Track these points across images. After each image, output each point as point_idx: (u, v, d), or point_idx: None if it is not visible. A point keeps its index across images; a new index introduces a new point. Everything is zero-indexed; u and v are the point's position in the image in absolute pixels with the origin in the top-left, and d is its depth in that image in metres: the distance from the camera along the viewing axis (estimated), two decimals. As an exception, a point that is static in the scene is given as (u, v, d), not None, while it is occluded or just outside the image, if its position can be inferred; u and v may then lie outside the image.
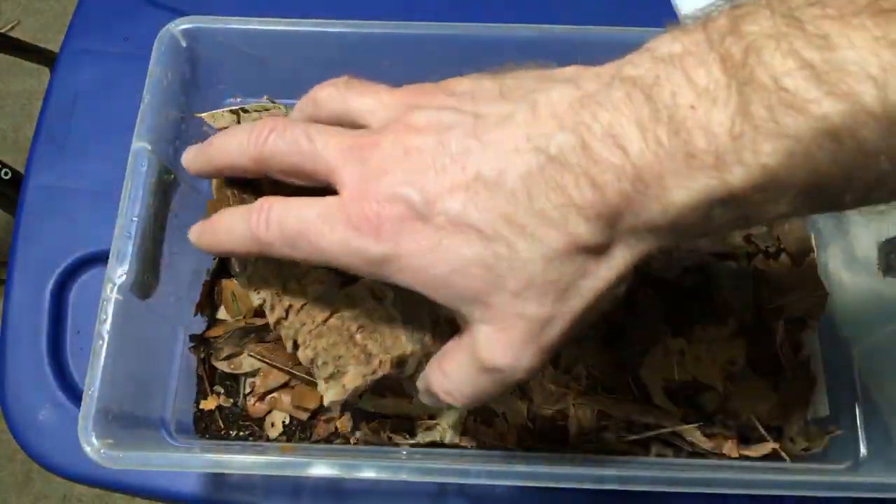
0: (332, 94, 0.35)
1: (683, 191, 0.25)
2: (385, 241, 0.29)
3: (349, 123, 0.34)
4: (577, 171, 0.26)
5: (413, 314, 0.39)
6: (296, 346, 0.39)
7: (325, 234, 0.31)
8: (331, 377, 0.38)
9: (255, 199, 0.41)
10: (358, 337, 0.38)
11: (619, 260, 0.28)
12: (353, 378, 0.38)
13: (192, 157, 0.38)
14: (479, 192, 0.28)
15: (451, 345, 0.33)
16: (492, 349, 0.30)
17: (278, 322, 0.40)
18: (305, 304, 0.39)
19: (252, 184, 0.43)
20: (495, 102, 0.30)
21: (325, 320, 0.39)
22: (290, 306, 0.39)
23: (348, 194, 0.31)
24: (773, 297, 0.49)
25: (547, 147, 0.27)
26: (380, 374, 0.38)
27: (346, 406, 0.47)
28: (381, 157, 0.30)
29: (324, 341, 0.38)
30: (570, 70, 0.30)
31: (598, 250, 0.27)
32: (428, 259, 0.29)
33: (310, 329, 0.39)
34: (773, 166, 0.23)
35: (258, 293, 0.40)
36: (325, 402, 0.38)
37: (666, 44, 0.26)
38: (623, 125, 0.26)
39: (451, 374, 0.33)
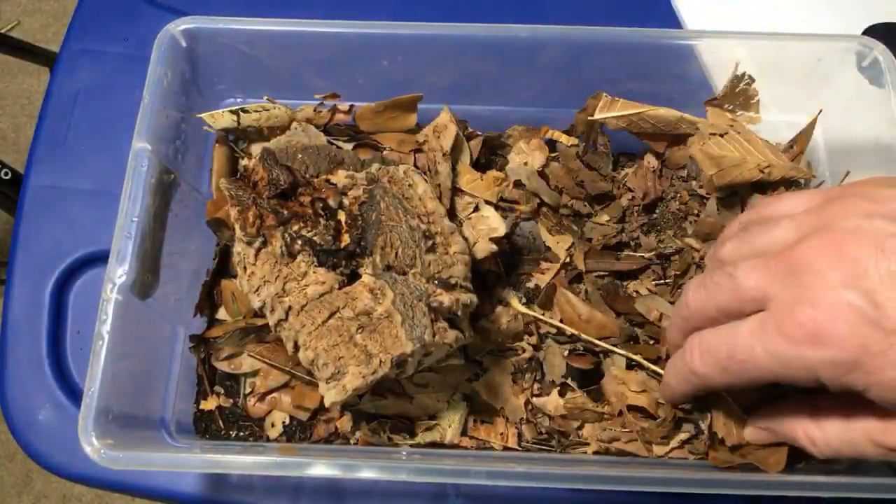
0: (734, 246, 0.36)
1: None
2: (827, 346, 0.29)
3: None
4: None
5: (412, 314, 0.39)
6: (296, 347, 0.39)
7: (756, 350, 0.32)
8: (332, 378, 0.38)
9: (252, 198, 0.41)
10: (358, 337, 0.38)
11: None
12: (354, 378, 0.38)
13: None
14: None
15: (835, 411, 0.35)
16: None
17: (279, 324, 0.40)
18: (305, 306, 0.39)
19: (250, 185, 0.43)
20: None
21: (325, 321, 0.39)
22: (290, 308, 0.39)
23: (778, 305, 0.31)
24: None
25: None
26: (380, 373, 0.38)
27: (346, 406, 0.47)
28: (808, 263, 0.30)
29: (324, 342, 0.38)
30: None
31: None
32: (878, 362, 0.29)
33: (310, 330, 0.39)
34: None
35: (258, 295, 0.40)
36: (326, 403, 0.38)
37: None
38: None
39: (829, 432, 0.35)
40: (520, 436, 0.47)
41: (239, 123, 0.51)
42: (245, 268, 0.41)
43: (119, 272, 0.41)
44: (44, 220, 0.56)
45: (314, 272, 0.40)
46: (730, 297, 0.33)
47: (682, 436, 0.45)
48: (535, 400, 0.47)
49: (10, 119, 1.51)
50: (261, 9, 0.52)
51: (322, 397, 0.39)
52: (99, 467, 0.37)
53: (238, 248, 0.42)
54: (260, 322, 0.47)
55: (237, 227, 0.41)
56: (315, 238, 0.41)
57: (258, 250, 0.40)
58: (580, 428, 0.46)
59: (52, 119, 0.59)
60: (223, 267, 0.51)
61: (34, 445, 0.50)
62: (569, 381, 0.47)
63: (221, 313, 0.50)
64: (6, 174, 0.94)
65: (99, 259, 0.54)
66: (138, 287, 0.42)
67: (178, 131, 0.48)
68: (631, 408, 0.45)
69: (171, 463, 0.40)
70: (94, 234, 0.54)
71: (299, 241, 0.40)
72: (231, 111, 0.50)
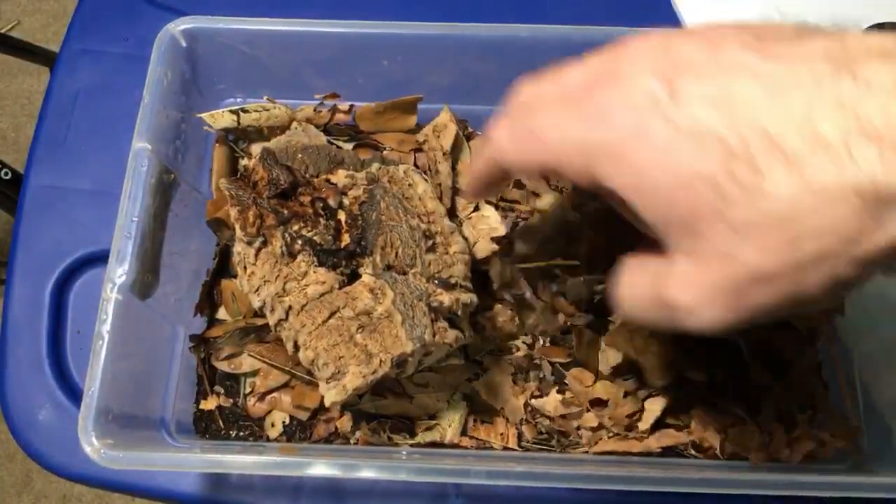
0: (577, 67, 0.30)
1: None
2: (609, 128, 0.25)
3: None
4: (883, 99, 0.21)
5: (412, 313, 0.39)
6: (297, 347, 0.39)
7: (547, 126, 0.27)
8: (332, 377, 0.38)
9: (252, 198, 0.41)
10: (358, 337, 0.38)
11: None
12: (354, 378, 0.38)
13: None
14: (740, 101, 0.23)
15: (642, 257, 0.29)
16: (678, 284, 0.26)
17: (279, 323, 0.40)
18: (305, 306, 0.39)
19: (250, 185, 0.43)
20: (776, 32, 0.25)
21: (326, 321, 0.39)
22: (290, 307, 0.39)
23: (578, 82, 0.27)
24: None
25: (852, 68, 0.22)
26: (380, 373, 0.38)
27: (346, 406, 0.47)
28: (626, 50, 0.26)
29: (324, 342, 0.38)
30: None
31: (883, 200, 0.21)
32: (654, 161, 0.24)
33: (310, 330, 0.39)
34: None
35: (258, 295, 0.40)
36: (327, 403, 0.38)
37: None
38: None
39: (631, 287, 0.29)
40: (520, 436, 0.47)
41: (239, 123, 0.51)
42: (245, 268, 0.41)
43: (119, 272, 0.41)
44: (44, 220, 0.56)
45: (314, 272, 0.40)
46: (553, 86, 0.29)
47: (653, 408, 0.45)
48: (533, 402, 0.47)
49: (10, 119, 1.51)
50: (261, 9, 0.52)
51: (322, 397, 0.39)
52: (99, 467, 0.37)
53: (238, 248, 0.42)
54: (260, 322, 0.47)
55: (237, 227, 0.41)
56: (315, 238, 0.41)
57: (258, 250, 0.40)
58: (580, 428, 0.46)
59: (52, 119, 0.59)
60: (223, 267, 0.51)
61: (34, 445, 0.50)
62: (566, 380, 0.47)
63: (221, 313, 0.50)
64: (6, 174, 0.94)
65: (99, 259, 0.54)
66: (138, 287, 0.42)
67: (178, 131, 0.48)
68: (594, 403, 0.45)
69: (171, 463, 0.40)
70: (94, 234, 0.54)
71: (299, 241, 0.40)
72: (231, 111, 0.50)
